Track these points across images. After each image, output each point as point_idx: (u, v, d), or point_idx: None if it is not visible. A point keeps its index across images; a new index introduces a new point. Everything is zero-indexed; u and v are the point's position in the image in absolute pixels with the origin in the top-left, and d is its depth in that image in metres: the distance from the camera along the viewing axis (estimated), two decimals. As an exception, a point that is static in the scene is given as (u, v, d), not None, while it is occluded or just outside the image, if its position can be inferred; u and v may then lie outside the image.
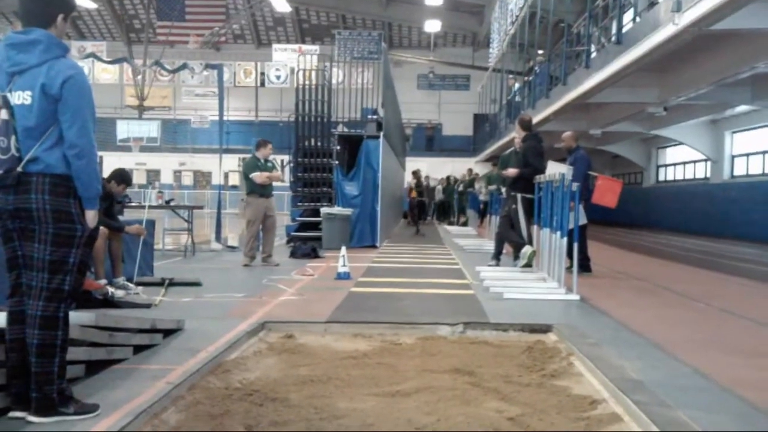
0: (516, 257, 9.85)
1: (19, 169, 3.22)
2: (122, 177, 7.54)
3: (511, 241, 9.94)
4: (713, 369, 4.40)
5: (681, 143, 23.60)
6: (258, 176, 10.16)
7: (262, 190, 10.27)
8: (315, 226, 13.89)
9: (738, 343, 5.48)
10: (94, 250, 6.56)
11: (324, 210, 13.45)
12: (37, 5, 3.34)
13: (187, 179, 42.13)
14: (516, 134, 10.17)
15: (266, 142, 10.69)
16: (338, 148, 14.84)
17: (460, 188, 25.53)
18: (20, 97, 3.25)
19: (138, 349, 4.50)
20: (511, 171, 9.62)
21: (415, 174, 23.20)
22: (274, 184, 10.56)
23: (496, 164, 17.45)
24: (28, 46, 3.27)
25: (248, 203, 10.47)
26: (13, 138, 3.23)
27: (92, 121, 3.34)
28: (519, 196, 9.45)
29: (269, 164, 10.47)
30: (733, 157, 21.76)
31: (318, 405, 3.62)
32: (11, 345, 3.28)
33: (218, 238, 13.48)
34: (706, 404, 3.67)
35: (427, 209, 27.16)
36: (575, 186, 7.69)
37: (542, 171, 8.73)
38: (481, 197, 19.82)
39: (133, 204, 11.42)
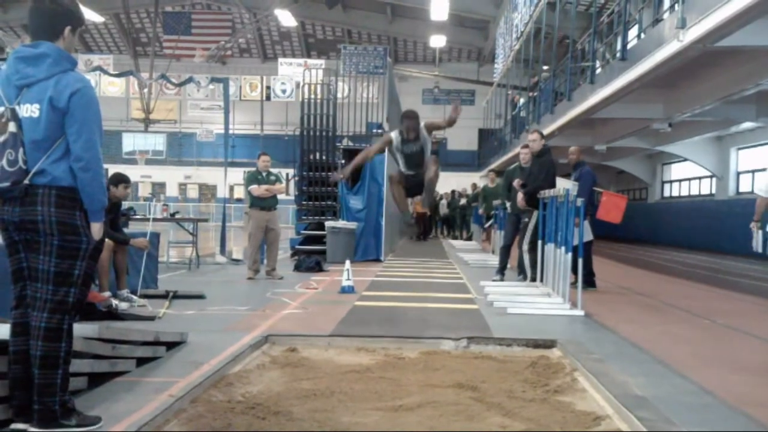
0: (519, 273, 9.85)
1: (26, 181, 3.24)
2: (119, 178, 7.51)
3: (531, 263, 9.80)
4: (718, 386, 4.37)
5: (686, 159, 23.56)
6: (255, 189, 10.20)
7: (262, 203, 10.28)
8: (319, 240, 13.91)
9: (744, 360, 5.45)
10: (98, 263, 6.57)
11: (328, 224, 13.47)
12: (44, 18, 3.35)
13: (193, 192, 42.28)
14: (528, 147, 9.91)
15: (261, 154, 10.72)
16: (343, 161, 14.88)
17: (464, 202, 25.49)
18: (28, 110, 3.27)
19: (141, 361, 4.50)
20: (520, 199, 9.38)
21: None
22: (279, 197, 10.56)
23: (500, 173, 17.36)
24: (36, 59, 3.29)
25: (250, 216, 10.52)
26: (20, 150, 3.25)
27: (99, 134, 3.35)
28: (536, 212, 9.30)
29: (272, 177, 10.47)
30: (738, 173, 21.72)
31: (320, 419, 3.61)
32: (15, 356, 3.28)
33: (223, 251, 13.50)
34: (711, 422, 3.65)
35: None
36: (580, 202, 7.69)
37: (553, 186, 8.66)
38: (486, 225, 19.61)
39: (137, 216, 11.44)
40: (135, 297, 7.46)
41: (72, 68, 3.35)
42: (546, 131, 19.98)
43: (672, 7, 11.17)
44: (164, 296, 7.72)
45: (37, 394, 3.19)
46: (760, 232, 8.01)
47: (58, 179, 3.26)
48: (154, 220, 10.03)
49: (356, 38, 41.16)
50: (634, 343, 5.85)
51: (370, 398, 4.06)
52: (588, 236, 9.26)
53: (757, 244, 8.03)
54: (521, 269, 9.91)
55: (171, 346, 5.01)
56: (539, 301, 7.96)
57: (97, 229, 3.40)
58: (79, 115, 3.26)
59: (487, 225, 18.48)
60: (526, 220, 9.49)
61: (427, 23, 35.23)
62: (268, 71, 40.96)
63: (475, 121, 40.57)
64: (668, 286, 11.23)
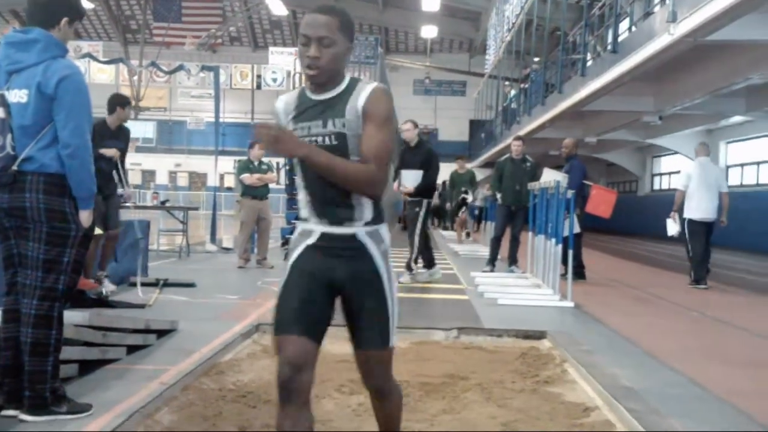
0: (510, 264, 9.85)
1: (15, 167, 3.22)
2: (117, 99, 7.13)
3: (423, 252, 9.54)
4: (707, 378, 4.41)
5: (676, 152, 23.66)
6: (247, 178, 10.17)
7: (254, 192, 10.27)
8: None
9: (732, 352, 5.49)
10: (88, 251, 6.52)
11: (319, 213, 13.44)
12: (38, 7, 3.33)
13: (183, 180, 42.13)
14: (521, 139, 10.23)
15: (255, 143, 10.68)
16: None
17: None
18: (17, 96, 3.24)
19: (131, 349, 4.49)
20: (410, 188, 9.00)
21: None
22: (270, 186, 10.55)
23: (460, 158, 17.55)
24: (26, 44, 3.26)
25: (241, 205, 10.50)
26: (9, 136, 3.23)
27: (88, 121, 3.32)
28: (425, 201, 9.00)
29: (263, 166, 10.45)
30: (727, 167, 21.83)
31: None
32: (5, 343, 3.28)
33: (213, 239, 13.46)
34: (699, 413, 3.68)
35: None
36: (570, 194, 7.72)
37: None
38: (477, 203, 19.69)
39: (128, 204, 11.38)
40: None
41: (62, 55, 3.31)
42: (537, 123, 20.08)
43: (663, 0, 11.19)
44: (155, 284, 7.70)
45: (28, 381, 3.18)
46: (678, 221, 10.09)
47: (47, 166, 3.23)
48: (145, 207, 9.97)
49: (348, 28, 40.99)
50: (624, 334, 5.88)
51: (361, 388, 4.06)
52: (576, 228, 9.29)
53: (674, 231, 10.14)
54: (512, 260, 9.96)
55: (162, 334, 5.00)
56: (529, 293, 8.00)
57: (85, 216, 3.37)
58: (67, 101, 3.23)
59: (461, 213, 18.39)
60: (417, 210, 9.02)
61: (419, 13, 35.18)
62: (259, 60, 40.75)
63: (466, 112, 40.64)
64: (657, 278, 11.30)
